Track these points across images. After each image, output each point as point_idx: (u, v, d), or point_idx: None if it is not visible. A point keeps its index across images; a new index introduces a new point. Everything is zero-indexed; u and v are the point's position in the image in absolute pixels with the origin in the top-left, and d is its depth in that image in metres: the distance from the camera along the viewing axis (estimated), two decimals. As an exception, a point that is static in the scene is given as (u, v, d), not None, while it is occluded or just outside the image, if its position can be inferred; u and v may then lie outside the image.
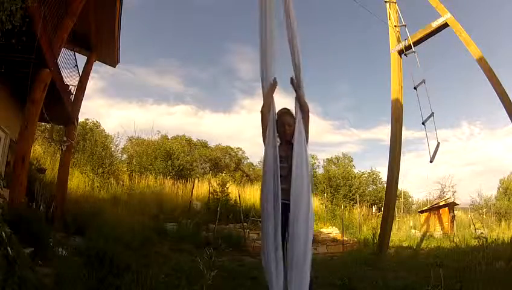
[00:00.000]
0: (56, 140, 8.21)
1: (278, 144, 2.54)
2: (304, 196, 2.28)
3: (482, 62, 6.46)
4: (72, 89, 8.05)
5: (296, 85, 2.61)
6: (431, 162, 6.00)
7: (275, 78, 2.61)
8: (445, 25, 6.91)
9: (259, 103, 2.63)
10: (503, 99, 6.14)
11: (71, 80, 8.09)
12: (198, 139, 20.73)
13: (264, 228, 2.30)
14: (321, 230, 11.83)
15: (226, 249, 7.35)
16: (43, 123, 9.93)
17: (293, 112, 2.63)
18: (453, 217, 13.31)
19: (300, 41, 2.67)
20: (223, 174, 15.11)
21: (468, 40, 6.66)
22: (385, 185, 8.34)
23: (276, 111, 2.63)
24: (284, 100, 2.74)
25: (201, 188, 13.85)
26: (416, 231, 13.16)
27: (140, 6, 29.03)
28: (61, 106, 6.95)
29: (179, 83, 39.65)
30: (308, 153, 2.52)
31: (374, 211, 16.13)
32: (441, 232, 12.42)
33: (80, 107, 8.37)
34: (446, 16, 6.83)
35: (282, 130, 2.55)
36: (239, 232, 9.17)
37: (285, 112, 2.63)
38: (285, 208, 2.29)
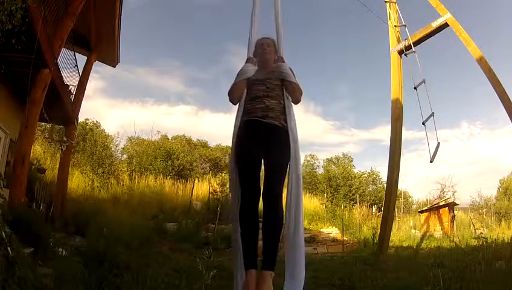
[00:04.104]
0: (56, 140, 8.20)
1: (256, 66, 2.34)
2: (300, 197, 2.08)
3: (482, 62, 6.46)
4: (72, 89, 8.04)
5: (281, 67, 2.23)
6: (431, 162, 5.99)
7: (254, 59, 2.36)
8: (445, 25, 6.90)
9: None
10: (503, 99, 6.14)
11: (71, 80, 8.08)
12: (198, 139, 20.76)
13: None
14: (321, 230, 11.83)
15: (225, 248, 7.35)
16: (43, 123, 9.93)
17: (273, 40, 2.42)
18: (453, 217, 13.31)
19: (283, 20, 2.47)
20: (223, 174, 15.10)
21: (468, 40, 6.65)
22: (385, 185, 8.33)
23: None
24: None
25: (201, 188, 13.86)
26: (416, 231, 13.16)
27: (140, 6, 29.02)
28: (61, 106, 6.95)
29: (179, 83, 39.63)
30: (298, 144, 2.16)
31: (374, 211, 16.13)
32: (441, 232, 12.42)
33: (80, 107, 8.37)
34: (446, 16, 6.83)
35: (262, 51, 2.32)
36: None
37: (262, 37, 2.43)
38: (261, 127, 2.05)
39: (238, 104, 2.20)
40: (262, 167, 2.12)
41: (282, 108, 2.13)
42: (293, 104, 2.20)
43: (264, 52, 2.31)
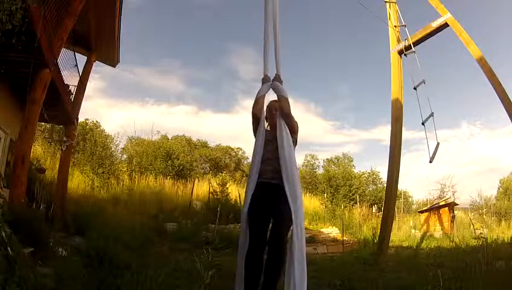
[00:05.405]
0: (56, 140, 8.21)
1: (268, 128, 2.73)
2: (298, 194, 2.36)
3: (482, 62, 6.46)
4: (72, 89, 8.04)
5: (278, 87, 2.67)
6: (431, 162, 6.00)
7: (271, 82, 2.75)
8: (445, 25, 6.90)
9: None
10: (503, 99, 6.14)
11: (71, 80, 8.07)
12: (198, 139, 20.76)
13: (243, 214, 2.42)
14: (321, 230, 11.83)
15: (225, 249, 7.34)
16: (43, 123, 9.94)
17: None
18: (453, 217, 13.33)
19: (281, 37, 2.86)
20: (223, 174, 15.12)
21: (468, 40, 6.65)
22: (385, 185, 8.33)
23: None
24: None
25: (201, 188, 13.87)
26: (416, 231, 13.17)
27: (140, 6, 29.03)
28: (61, 106, 6.95)
29: (180, 83, 39.68)
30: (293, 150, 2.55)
31: (374, 211, 16.14)
32: (441, 232, 12.43)
33: (80, 107, 8.37)
34: (446, 16, 6.82)
35: (270, 115, 2.69)
36: (239, 232, 9.13)
37: (274, 100, 2.78)
38: (270, 188, 2.40)
39: (251, 165, 2.56)
40: None
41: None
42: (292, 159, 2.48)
43: (273, 118, 2.67)
